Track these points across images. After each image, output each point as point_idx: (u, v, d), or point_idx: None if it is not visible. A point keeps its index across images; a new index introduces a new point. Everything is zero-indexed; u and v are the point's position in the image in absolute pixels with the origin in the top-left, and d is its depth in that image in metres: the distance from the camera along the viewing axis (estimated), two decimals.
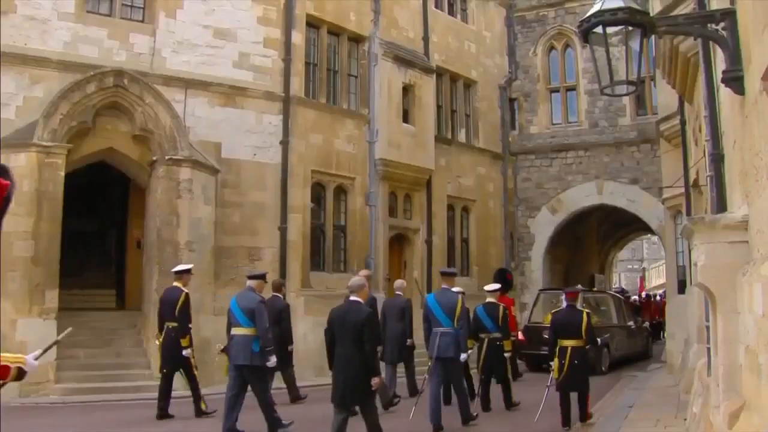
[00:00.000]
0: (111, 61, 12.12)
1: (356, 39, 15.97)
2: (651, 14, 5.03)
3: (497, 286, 10.62)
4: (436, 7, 18.29)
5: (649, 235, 32.29)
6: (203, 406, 9.12)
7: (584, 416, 8.54)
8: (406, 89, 16.53)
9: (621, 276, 49.48)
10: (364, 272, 9.94)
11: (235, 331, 7.94)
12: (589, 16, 4.71)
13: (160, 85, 12.47)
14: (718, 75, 5.11)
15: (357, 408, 6.73)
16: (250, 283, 8.31)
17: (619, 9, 4.58)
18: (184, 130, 12.46)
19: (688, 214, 11.15)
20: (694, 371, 8.84)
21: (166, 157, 12.16)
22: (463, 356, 8.73)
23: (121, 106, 12.23)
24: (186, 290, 9.20)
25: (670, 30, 5.16)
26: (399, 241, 16.78)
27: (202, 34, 13.16)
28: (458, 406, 8.59)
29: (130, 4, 12.80)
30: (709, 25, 4.61)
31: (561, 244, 20.74)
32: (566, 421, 8.27)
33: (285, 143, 13.94)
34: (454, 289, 9.06)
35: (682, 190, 11.74)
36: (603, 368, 14.75)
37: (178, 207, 12.13)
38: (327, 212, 15.03)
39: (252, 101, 13.69)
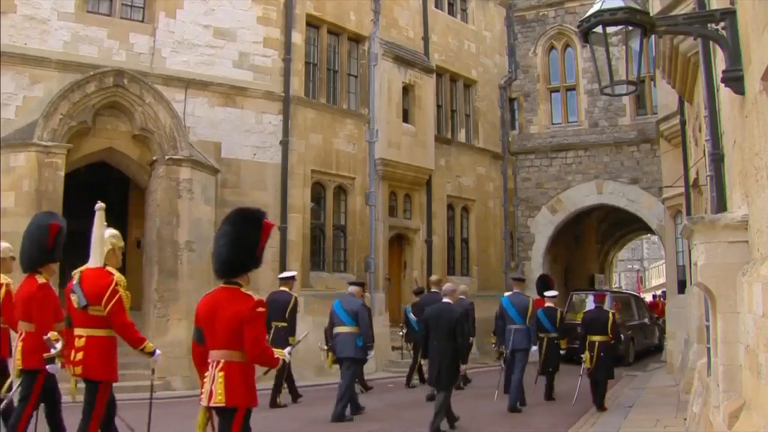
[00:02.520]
0: (111, 61, 12.10)
1: (356, 39, 15.96)
2: (651, 14, 5.02)
3: (555, 293, 11.74)
4: (436, 6, 18.28)
5: (648, 235, 32.32)
6: (278, 400, 9.83)
7: (601, 406, 9.50)
8: (406, 89, 16.53)
9: (621, 276, 49.44)
10: (435, 278, 12.16)
11: (339, 329, 9.21)
12: (589, 16, 4.71)
13: (160, 85, 12.45)
14: (718, 75, 5.11)
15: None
16: (351, 289, 9.70)
17: (619, 9, 4.57)
18: (183, 130, 12.45)
19: (688, 214, 11.15)
20: (694, 371, 8.84)
21: (166, 157, 12.15)
22: (533, 348, 10.12)
23: (120, 106, 12.21)
24: (294, 294, 10.37)
25: (670, 30, 5.16)
26: (399, 241, 16.78)
27: (202, 33, 13.15)
28: (509, 395, 9.81)
29: (130, 4, 12.78)
30: (709, 25, 4.61)
31: (561, 243, 20.76)
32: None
33: (285, 143, 13.94)
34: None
35: (682, 190, 11.75)
36: (630, 360, 16.05)
37: (178, 207, 12.12)
38: (327, 212, 15.02)
39: (252, 101, 13.68)
